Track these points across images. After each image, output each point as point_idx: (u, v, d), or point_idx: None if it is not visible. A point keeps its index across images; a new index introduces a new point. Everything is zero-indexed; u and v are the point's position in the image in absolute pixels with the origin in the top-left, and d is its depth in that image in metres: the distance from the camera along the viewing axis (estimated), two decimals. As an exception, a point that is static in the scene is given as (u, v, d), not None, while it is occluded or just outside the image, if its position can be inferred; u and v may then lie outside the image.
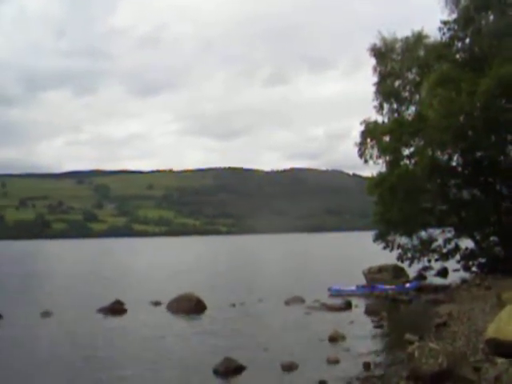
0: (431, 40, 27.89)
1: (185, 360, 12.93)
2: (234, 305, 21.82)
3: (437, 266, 30.88)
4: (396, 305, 21.27)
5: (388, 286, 24.52)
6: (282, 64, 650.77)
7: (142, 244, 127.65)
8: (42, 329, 17.83)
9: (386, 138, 27.58)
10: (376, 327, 16.69)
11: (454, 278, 28.70)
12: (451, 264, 29.93)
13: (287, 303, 21.89)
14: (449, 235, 28.36)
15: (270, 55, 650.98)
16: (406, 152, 28.01)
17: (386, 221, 26.97)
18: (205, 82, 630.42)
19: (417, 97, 28.41)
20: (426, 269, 31.05)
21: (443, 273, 31.29)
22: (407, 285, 25.09)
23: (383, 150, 27.55)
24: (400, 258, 28.03)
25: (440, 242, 28.29)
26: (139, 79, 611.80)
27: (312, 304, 21.41)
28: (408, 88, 28.90)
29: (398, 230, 27.46)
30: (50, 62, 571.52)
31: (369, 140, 28.17)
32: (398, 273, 26.80)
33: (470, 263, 28.41)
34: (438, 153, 27.48)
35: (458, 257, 28.55)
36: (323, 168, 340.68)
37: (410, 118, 28.11)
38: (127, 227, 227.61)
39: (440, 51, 26.38)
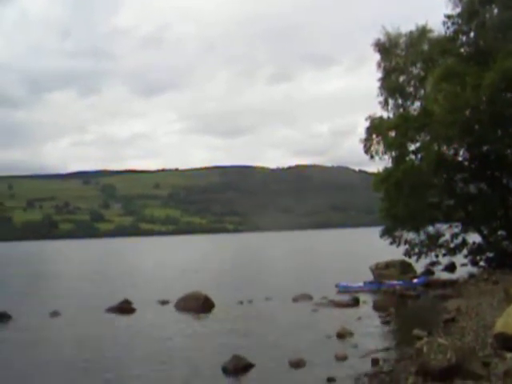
0: (435, 34, 27.84)
1: (193, 358, 12.97)
2: (241, 302, 21.85)
3: (444, 260, 30.81)
4: (404, 300, 21.22)
5: (395, 282, 24.48)
6: (284, 62, 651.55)
7: (149, 243, 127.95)
8: (51, 329, 17.91)
9: (392, 134, 27.53)
10: (384, 323, 16.68)
11: (461, 272, 28.63)
12: (459, 259, 29.87)
13: (295, 300, 21.89)
14: (456, 230, 28.30)
15: (272, 54, 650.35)
16: (412, 147, 27.98)
17: (393, 216, 26.93)
18: (208, 81, 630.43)
19: (422, 92, 28.34)
20: (433, 264, 30.99)
21: (451, 268, 31.24)
22: (415, 280, 25.02)
23: (389, 146, 27.50)
24: (407, 253, 27.99)
25: (447, 236, 28.24)
26: (143, 79, 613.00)
27: (320, 301, 21.41)
28: (413, 83, 28.84)
29: (404, 225, 27.40)
30: (54, 63, 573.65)
31: (374, 136, 28.14)
32: (405, 268, 26.73)
33: (478, 258, 28.37)
34: (444, 147, 27.42)
35: (465, 251, 28.51)
36: (328, 164, 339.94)
37: (415, 113, 28.05)
38: (134, 226, 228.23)
39: (444, 45, 26.30)
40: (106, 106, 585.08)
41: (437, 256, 28.89)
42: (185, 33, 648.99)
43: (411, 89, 28.99)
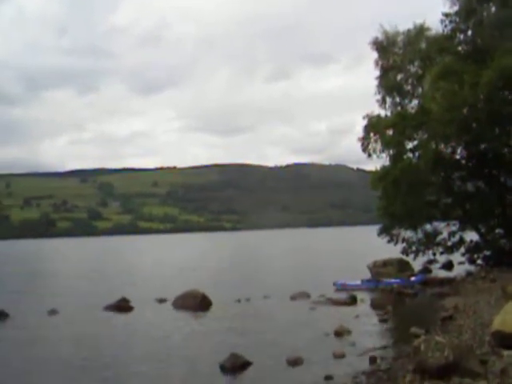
0: (433, 32, 27.83)
1: (191, 356, 12.98)
2: (239, 301, 21.87)
3: (442, 259, 30.85)
4: (401, 298, 21.27)
5: (393, 280, 24.51)
6: (283, 60, 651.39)
7: (147, 241, 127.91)
8: (49, 327, 17.90)
9: (389, 132, 27.53)
10: (381, 321, 16.71)
11: (459, 270, 28.68)
12: (456, 257, 29.91)
13: (292, 298, 21.92)
14: (453, 228, 28.33)
15: (271, 52, 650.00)
16: (410, 145, 27.98)
17: (390, 214, 26.95)
18: (207, 80, 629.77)
19: (419, 90, 28.34)
20: (431, 262, 31.03)
21: (448, 266, 31.28)
22: (412, 278, 25.07)
23: (386, 144, 27.51)
24: (405, 251, 28.01)
25: (445, 235, 28.26)
26: (141, 77, 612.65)
27: (317, 299, 21.44)
28: (410, 81, 28.84)
29: (402, 223, 27.42)
30: (51, 61, 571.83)
31: (372, 134, 28.13)
32: (402, 266, 26.77)
33: (475, 256, 28.41)
34: (442, 146, 27.42)
35: (462, 250, 28.54)
36: (326, 163, 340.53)
37: (412, 112, 28.05)
38: (132, 225, 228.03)
39: (442, 44, 26.30)
40: (105, 104, 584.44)
41: (434, 254, 28.93)
42: (184, 31, 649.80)
43: (409, 87, 28.99)
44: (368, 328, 15.70)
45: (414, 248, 27.96)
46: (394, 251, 28.46)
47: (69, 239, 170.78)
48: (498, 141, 24.98)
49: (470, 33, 26.20)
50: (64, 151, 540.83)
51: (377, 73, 29.25)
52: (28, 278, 37.47)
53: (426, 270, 29.29)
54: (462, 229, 28.19)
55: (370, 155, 28.31)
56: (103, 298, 22.57)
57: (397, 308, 18.84)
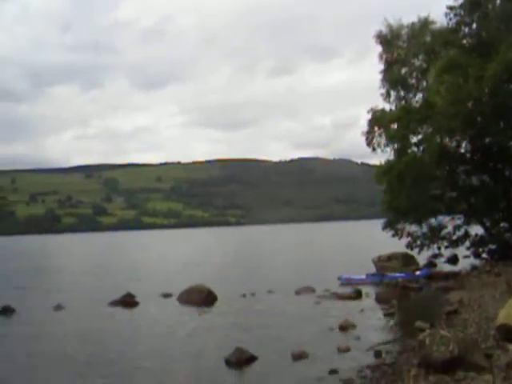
0: (437, 26, 27.71)
1: (196, 351, 13.02)
2: (244, 295, 21.90)
3: (447, 253, 30.83)
4: (406, 293, 21.26)
5: (398, 274, 24.50)
6: (286, 54, 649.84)
7: (152, 236, 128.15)
8: (55, 322, 17.98)
9: (394, 126, 27.46)
10: (386, 315, 16.72)
11: (464, 264, 28.65)
12: (461, 251, 29.86)
13: (297, 293, 21.93)
14: (458, 222, 28.25)
15: (274, 46, 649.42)
16: (414, 139, 27.91)
17: (395, 209, 26.89)
18: (210, 74, 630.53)
19: (424, 83, 28.23)
20: (435, 256, 31.02)
21: (453, 260, 31.26)
22: (417, 272, 25.05)
23: (391, 138, 27.44)
24: (409, 245, 27.95)
25: (449, 228, 28.20)
26: (144, 72, 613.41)
27: (322, 293, 21.46)
28: (415, 75, 28.72)
29: (407, 217, 27.36)
30: (56, 57, 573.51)
31: (376, 128, 28.05)
32: (407, 260, 26.74)
33: (480, 250, 28.34)
34: (447, 139, 27.34)
35: (467, 243, 28.46)
36: (330, 157, 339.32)
37: (417, 105, 27.95)
38: (136, 220, 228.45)
39: (447, 37, 26.17)
40: (108, 100, 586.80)
41: (439, 248, 28.89)
42: (186, 25, 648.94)
43: (413, 81, 28.88)
44: (373, 322, 15.71)
45: (418, 242, 27.89)
46: (398, 245, 28.43)
47: (74, 235, 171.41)
48: (502, 134, 24.87)
49: (474, 26, 26.06)
50: (69, 147, 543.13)
51: (381, 66, 29.19)
52: (33, 274, 37.62)
53: (430, 264, 29.28)
54: (467, 223, 28.11)
55: (374, 149, 28.26)
56: (108, 294, 22.65)
57: (402, 302, 18.83)
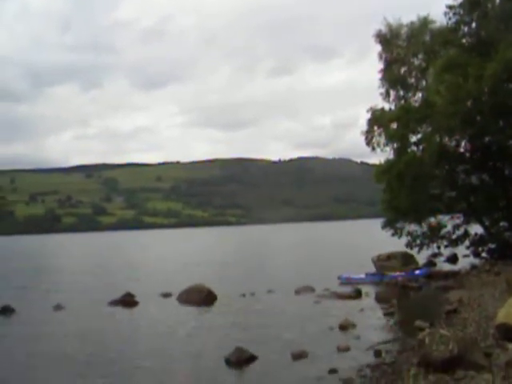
0: (437, 25, 27.70)
1: (196, 351, 13.02)
2: (244, 295, 21.90)
3: (446, 252, 30.83)
4: (406, 292, 21.27)
5: (398, 273, 24.50)
6: (286, 54, 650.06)
7: (151, 236, 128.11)
8: (55, 322, 17.97)
9: (393, 125, 27.47)
10: (386, 314, 16.72)
11: (463, 264, 28.63)
12: (461, 250, 29.86)
13: (297, 292, 21.93)
14: (458, 221, 28.26)
15: (274, 46, 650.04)
16: (414, 139, 27.94)
17: (395, 208, 26.92)
18: (210, 74, 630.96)
19: (423, 83, 28.25)
20: (435, 255, 31.04)
21: (453, 259, 31.27)
22: (417, 272, 25.05)
23: (390, 138, 27.46)
24: (409, 244, 27.96)
25: (449, 228, 28.21)
26: (144, 72, 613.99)
27: (322, 293, 21.46)
28: (414, 74, 28.73)
29: (406, 216, 27.37)
30: (55, 57, 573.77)
31: (376, 128, 28.08)
32: (407, 260, 26.73)
33: (480, 249, 28.36)
34: (446, 139, 27.36)
35: (467, 243, 28.48)
36: (330, 157, 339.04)
37: (416, 105, 27.98)
38: (136, 220, 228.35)
39: (446, 36, 26.17)
40: (108, 100, 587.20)
41: (439, 247, 28.89)
42: (186, 25, 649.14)
43: (413, 80, 28.88)
44: (373, 321, 15.71)
45: (418, 241, 27.91)
46: (398, 245, 28.44)
47: (73, 235, 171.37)
48: (502, 133, 24.87)
49: (474, 25, 26.04)
50: (68, 147, 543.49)
51: (380, 66, 29.19)
52: (33, 274, 37.61)
53: (430, 263, 29.28)
54: (467, 222, 28.13)
55: (373, 149, 28.28)
56: (108, 293, 22.66)
57: (401, 301, 18.83)
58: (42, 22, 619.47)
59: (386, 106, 28.92)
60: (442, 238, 28.19)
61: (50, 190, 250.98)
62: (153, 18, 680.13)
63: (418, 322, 13.79)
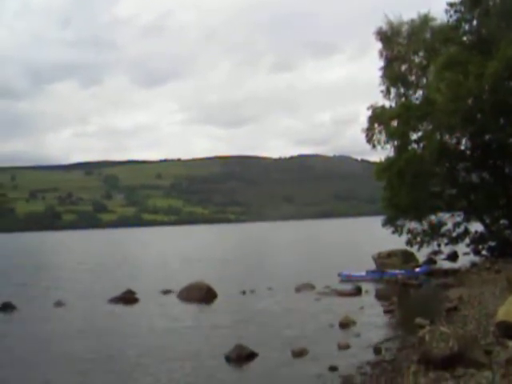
0: (438, 22, 27.69)
1: (196, 347, 13.04)
2: (244, 292, 21.92)
3: (446, 250, 30.84)
4: (406, 289, 21.28)
5: (398, 271, 24.52)
6: (287, 50, 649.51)
7: (152, 233, 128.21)
8: (55, 319, 18.01)
9: (394, 123, 27.48)
10: (386, 312, 16.73)
11: (463, 261, 28.67)
12: (461, 248, 29.90)
13: (297, 290, 21.93)
14: (458, 219, 28.29)
15: (274, 42, 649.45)
16: (414, 136, 27.97)
17: (395, 206, 26.93)
18: (210, 71, 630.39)
19: (424, 80, 28.22)
20: (435, 253, 31.05)
21: (453, 257, 31.30)
22: (417, 269, 25.07)
23: (391, 135, 27.46)
24: (409, 242, 28.00)
25: (449, 225, 28.24)
26: (144, 69, 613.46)
27: (322, 290, 21.46)
28: (415, 72, 28.71)
29: (407, 214, 27.40)
30: (56, 54, 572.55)
31: (376, 125, 28.08)
32: (407, 257, 26.78)
33: (480, 247, 28.41)
34: (447, 136, 27.39)
35: (467, 240, 28.53)
36: (331, 154, 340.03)
37: (417, 102, 27.97)
38: (136, 217, 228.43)
39: (447, 34, 26.16)
40: (108, 97, 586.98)
41: (439, 245, 28.93)
42: (186, 21, 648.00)
43: (413, 78, 28.87)
44: (373, 319, 15.71)
45: (418, 239, 27.95)
46: (398, 242, 28.46)
47: (74, 232, 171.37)
48: (502, 131, 24.88)
49: (475, 23, 26.05)
50: (68, 144, 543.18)
51: (381, 63, 29.18)
52: (34, 271, 37.65)
53: (430, 260, 29.29)
54: (467, 220, 28.16)
55: (374, 146, 28.28)
56: (108, 290, 22.69)
57: (402, 299, 18.84)
58: (42, 18, 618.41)
59: (387, 104, 28.97)
60: (443, 235, 28.23)
61: (50, 187, 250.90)
62: (153, 14, 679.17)
63: (418, 320, 13.80)
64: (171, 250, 57.44)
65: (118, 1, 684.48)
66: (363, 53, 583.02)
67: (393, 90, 28.94)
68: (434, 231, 28.03)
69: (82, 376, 11.07)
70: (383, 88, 28.98)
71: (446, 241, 28.44)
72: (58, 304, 20.46)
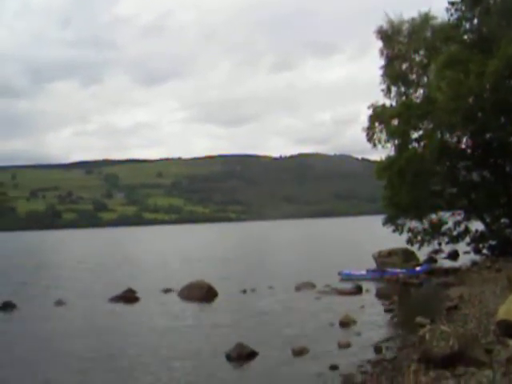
0: (438, 21, 27.66)
1: (197, 346, 13.04)
2: (244, 291, 21.92)
3: (447, 248, 30.84)
4: (407, 288, 21.27)
5: (398, 270, 24.51)
6: (287, 50, 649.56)
7: (152, 232, 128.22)
8: (56, 318, 18.02)
9: (394, 122, 27.46)
10: (387, 311, 16.73)
11: (464, 260, 28.68)
12: (461, 247, 29.90)
13: (298, 289, 21.94)
14: (459, 218, 28.28)
15: (274, 41, 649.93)
16: (415, 135, 27.93)
17: (395, 204, 26.93)
18: (210, 70, 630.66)
19: (425, 79, 28.21)
20: (436, 252, 31.04)
21: (454, 255, 31.31)
22: (418, 268, 25.05)
23: (391, 134, 27.44)
24: (410, 241, 27.99)
25: (450, 224, 28.22)
26: (144, 68, 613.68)
27: (323, 289, 21.46)
28: (415, 70, 28.67)
29: (407, 213, 27.38)
30: (56, 53, 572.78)
31: (377, 124, 28.06)
32: (408, 256, 26.76)
33: (481, 246, 28.40)
34: (447, 135, 27.37)
35: (468, 239, 28.52)
36: (331, 153, 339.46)
37: (418, 101, 27.95)
38: (137, 216, 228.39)
39: (448, 32, 26.12)
40: (109, 96, 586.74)
41: (439, 244, 28.90)
42: (186, 21, 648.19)
43: (414, 76, 28.83)
44: (373, 318, 15.71)
45: (419, 238, 27.93)
46: (399, 241, 28.46)
47: (74, 231, 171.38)
48: (503, 130, 24.85)
49: (476, 21, 25.99)
50: (69, 143, 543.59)
51: (382, 62, 29.12)
52: (34, 270, 37.65)
53: (431, 259, 29.30)
54: (468, 218, 28.15)
55: (374, 145, 28.26)
56: (109, 289, 22.70)
57: (402, 298, 18.83)
58: (43, 17, 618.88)
59: (387, 103, 28.91)
60: (443, 234, 28.22)
61: (50, 186, 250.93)
62: (153, 14, 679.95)
63: (418, 319, 13.81)
64: (172, 249, 57.45)
65: (118, 1, 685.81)
66: (363, 52, 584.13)
67: (393, 89, 28.91)
68: (435, 230, 28.01)
69: (83, 375, 11.07)
70: (384, 87, 28.97)
71: (446, 240, 28.42)
72: (59, 303, 20.47)
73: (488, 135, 26.31)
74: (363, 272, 25.03)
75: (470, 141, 27.90)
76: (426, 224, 27.96)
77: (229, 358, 11.63)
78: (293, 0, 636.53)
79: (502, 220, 27.54)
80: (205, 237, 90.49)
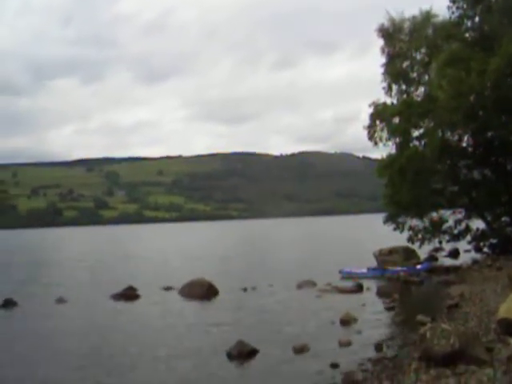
0: (440, 19, 27.60)
1: (198, 344, 13.05)
2: (245, 289, 21.93)
3: (448, 247, 30.82)
4: (407, 286, 21.26)
5: (399, 268, 24.50)
6: (288, 48, 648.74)
7: (153, 230, 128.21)
8: (57, 315, 18.03)
9: (396, 120, 27.44)
10: (388, 309, 16.73)
11: (465, 258, 28.66)
12: (462, 245, 29.87)
13: (299, 287, 21.94)
14: (459, 216, 28.26)
15: (276, 39, 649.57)
16: (416, 133, 27.89)
17: (396, 203, 26.91)
18: (212, 68, 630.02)
19: (426, 77, 28.17)
20: (437, 250, 31.04)
21: (454, 254, 31.27)
22: (418, 266, 25.06)
23: (392, 132, 27.43)
24: (411, 239, 27.96)
25: (451, 223, 28.21)
26: (146, 66, 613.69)
27: (323, 287, 21.46)
28: (417, 68, 28.63)
29: (408, 211, 27.36)
30: (57, 51, 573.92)
31: (378, 122, 28.05)
32: (408, 254, 26.74)
33: (482, 244, 28.37)
34: (448, 133, 27.34)
35: (469, 238, 28.49)
36: (332, 151, 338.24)
37: (419, 99, 27.91)
38: (138, 214, 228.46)
39: (449, 30, 26.07)
40: (110, 94, 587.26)
41: (440, 242, 28.90)
42: (187, 18, 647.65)
43: (415, 74, 28.79)
44: (374, 316, 15.72)
45: (419, 236, 27.90)
46: (399, 239, 28.44)
47: (75, 228, 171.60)
48: (504, 128, 24.81)
49: (477, 19, 25.95)
50: (70, 140, 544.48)
51: (383, 60, 29.09)
52: (35, 267, 37.66)
53: (431, 258, 29.29)
54: (468, 217, 28.13)
55: (376, 143, 28.25)
56: (110, 287, 22.71)
57: (403, 296, 18.84)
58: (44, 15, 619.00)
59: (389, 101, 28.87)
60: (444, 232, 28.20)
61: (51, 183, 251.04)
62: (154, 12, 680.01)
63: (419, 317, 13.81)
64: (172, 247, 57.48)
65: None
66: (364, 50, 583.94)
67: (394, 87, 28.86)
68: (436, 228, 27.99)
69: (84, 372, 11.09)
70: (385, 85, 28.92)
71: (447, 238, 28.41)
72: (60, 300, 20.49)
73: (489, 133, 26.29)
74: (364, 270, 25.02)
75: (471, 139, 27.87)
76: (426, 222, 27.94)
77: (229, 355, 11.64)
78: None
79: (503, 218, 27.52)
80: (205, 235, 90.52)
